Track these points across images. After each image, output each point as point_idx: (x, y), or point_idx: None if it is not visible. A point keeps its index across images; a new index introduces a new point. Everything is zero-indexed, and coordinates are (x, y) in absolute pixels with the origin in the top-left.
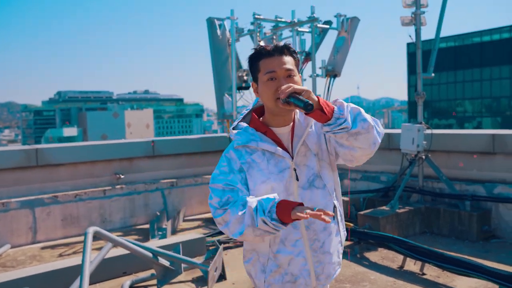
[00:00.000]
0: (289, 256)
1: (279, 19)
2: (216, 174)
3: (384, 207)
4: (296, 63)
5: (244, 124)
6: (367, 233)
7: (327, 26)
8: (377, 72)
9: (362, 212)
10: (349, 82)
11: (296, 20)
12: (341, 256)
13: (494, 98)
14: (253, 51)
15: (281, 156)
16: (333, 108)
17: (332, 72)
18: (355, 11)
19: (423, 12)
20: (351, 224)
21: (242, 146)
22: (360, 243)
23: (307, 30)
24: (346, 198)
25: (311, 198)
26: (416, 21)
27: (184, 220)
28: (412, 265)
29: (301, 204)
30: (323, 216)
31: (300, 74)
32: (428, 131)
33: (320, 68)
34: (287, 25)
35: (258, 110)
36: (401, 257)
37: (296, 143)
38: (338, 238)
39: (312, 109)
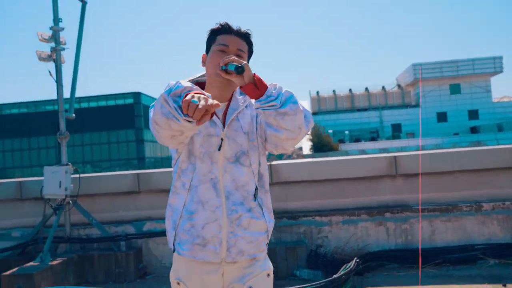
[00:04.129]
0: (205, 220)
1: None
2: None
3: (32, 263)
4: (249, 50)
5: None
6: None
7: None
8: None
9: (7, 273)
10: None
11: None
12: (263, 243)
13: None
14: (216, 25)
15: (213, 121)
16: (267, 87)
17: None
18: None
19: (63, 49)
20: None
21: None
22: None
23: None
24: None
25: (235, 172)
26: (56, 56)
27: None
28: None
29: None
30: (209, 103)
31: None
32: (76, 175)
33: None
34: None
35: (199, 84)
36: None
37: (230, 115)
38: (260, 221)
39: (242, 71)
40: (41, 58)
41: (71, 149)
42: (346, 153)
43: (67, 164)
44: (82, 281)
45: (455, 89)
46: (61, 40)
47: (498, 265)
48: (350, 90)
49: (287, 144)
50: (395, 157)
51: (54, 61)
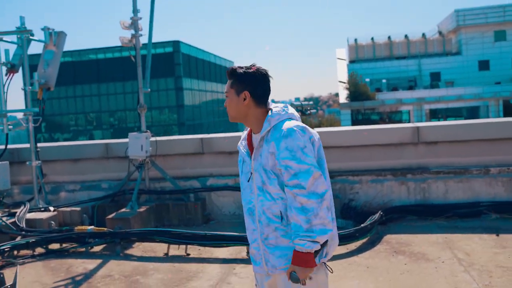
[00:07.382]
0: (250, 240)
1: None
2: None
3: (124, 209)
4: (234, 81)
5: None
6: (129, 232)
7: (36, 38)
8: None
9: (109, 217)
10: None
11: None
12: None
13: (111, 111)
14: None
15: (247, 161)
16: (310, 252)
17: (45, 85)
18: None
19: (141, 35)
20: (105, 228)
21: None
22: (120, 243)
23: (10, 40)
24: (77, 208)
25: (262, 200)
26: (135, 42)
27: None
28: (176, 250)
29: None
30: None
31: (237, 92)
32: (153, 139)
33: (32, 81)
34: None
35: None
36: (159, 247)
37: (255, 151)
38: (287, 238)
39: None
40: (123, 43)
41: (114, 97)
42: (383, 102)
43: (146, 131)
44: (160, 224)
45: (500, 35)
46: (139, 27)
47: (499, 219)
48: (389, 37)
49: None
50: (417, 127)
51: (134, 45)
